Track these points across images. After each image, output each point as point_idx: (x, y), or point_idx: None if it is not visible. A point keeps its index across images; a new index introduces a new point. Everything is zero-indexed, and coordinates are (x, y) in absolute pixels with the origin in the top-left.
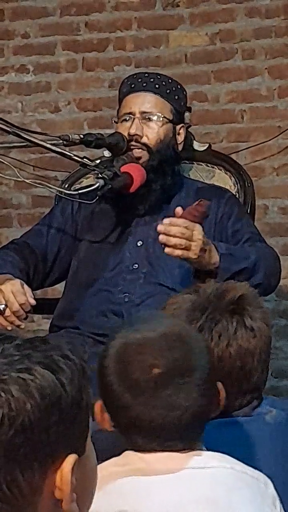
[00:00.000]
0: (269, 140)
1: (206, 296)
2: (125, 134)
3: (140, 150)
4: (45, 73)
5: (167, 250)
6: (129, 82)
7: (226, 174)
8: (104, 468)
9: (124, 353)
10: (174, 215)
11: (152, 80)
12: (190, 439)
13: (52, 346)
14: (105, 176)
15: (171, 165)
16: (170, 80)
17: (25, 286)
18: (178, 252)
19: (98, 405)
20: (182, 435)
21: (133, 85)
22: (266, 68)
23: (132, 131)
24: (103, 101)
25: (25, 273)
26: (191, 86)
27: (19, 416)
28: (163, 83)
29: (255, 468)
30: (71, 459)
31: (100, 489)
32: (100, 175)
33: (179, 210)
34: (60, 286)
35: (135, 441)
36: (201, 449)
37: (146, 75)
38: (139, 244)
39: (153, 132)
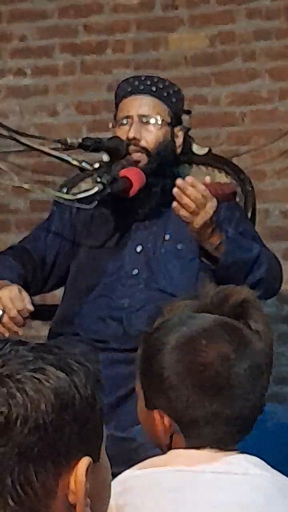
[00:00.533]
0: (270, 143)
1: (208, 300)
2: (124, 137)
3: (139, 153)
4: (43, 76)
5: (174, 204)
6: (125, 86)
7: (227, 177)
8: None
9: (190, 344)
10: (174, 220)
11: (149, 83)
12: (241, 437)
13: (66, 351)
14: (104, 181)
15: (170, 168)
16: (167, 83)
17: (23, 292)
18: (184, 212)
19: (160, 417)
20: (241, 430)
21: (130, 89)
22: (266, 70)
23: (131, 135)
24: (102, 104)
25: (23, 278)
26: (191, 89)
27: (33, 416)
28: (160, 85)
29: None
30: (85, 461)
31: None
32: (98, 180)
33: (207, 178)
34: (59, 292)
35: (194, 436)
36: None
37: (143, 78)
38: (138, 250)
39: (151, 135)
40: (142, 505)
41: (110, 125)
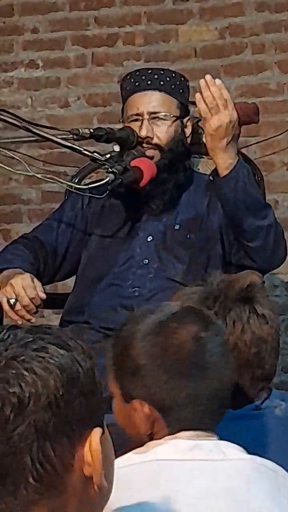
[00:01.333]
0: (279, 134)
1: (215, 285)
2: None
3: (152, 150)
4: (55, 68)
5: (198, 97)
6: (132, 80)
7: None
8: (128, 458)
9: (161, 328)
10: (184, 210)
11: (156, 77)
12: (218, 419)
13: (57, 330)
14: (115, 171)
15: (182, 161)
16: (173, 74)
17: (35, 280)
18: (203, 105)
19: (140, 405)
20: (218, 411)
21: (137, 83)
22: (275, 63)
23: (143, 134)
24: (113, 96)
25: (35, 267)
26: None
27: (45, 392)
28: (167, 78)
29: None
30: (97, 431)
31: (127, 476)
32: (110, 170)
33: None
34: (70, 281)
35: (175, 421)
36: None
37: (149, 71)
38: (149, 239)
39: (163, 132)
40: (129, 497)
41: (121, 121)
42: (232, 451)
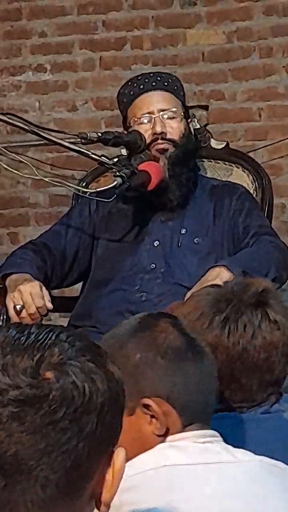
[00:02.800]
0: (287, 138)
1: (229, 288)
2: (147, 134)
3: (166, 144)
4: (63, 72)
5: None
6: (135, 84)
7: (244, 172)
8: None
9: (144, 324)
10: (190, 215)
11: (159, 78)
12: (212, 413)
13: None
14: (123, 174)
15: (193, 159)
16: (173, 77)
17: (44, 289)
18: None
19: (151, 401)
20: (213, 402)
21: (141, 86)
22: (283, 66)
23: (158, 130)
24: None
25: (43, 272)
26: (208, 85)
27: (101, 399)
28: (170, 80)
29: None
30: (122, 451)
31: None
32: (117, 173)
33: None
34: (77, 285)
35: (187, 412)
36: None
37: (151, 74)
38: (156, 244)
39: (175, 128)
40: (144, 503)
41: (129, 124)
42: (241, 453)
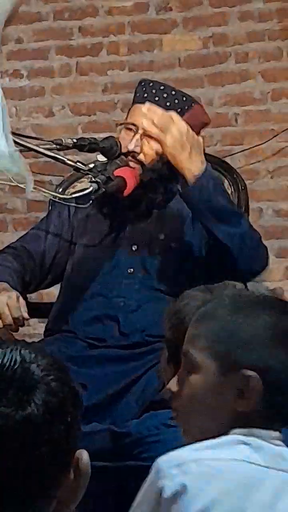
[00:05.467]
0: (263, 143)
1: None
2: (125, 144)
3: (133, 163)
4: (39, 78)
5: (145, 122)
6: (145, 89)
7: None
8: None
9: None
10: (169, 220)
11: (165, 95)
12: None
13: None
14: (99, 180)
15: (163, 183)
16: (173, 92)
17: (21, 299)
18: (155, 129)
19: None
20: None
21: (145, 95)
22: (259, 72)
23: (131, 148)
24: (97, 105)
25: (21, 278)
26: (185, 90)
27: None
28: (164, 95)
29: None
30: (85, 451)
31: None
32: (93, 179)
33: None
34: (56, 290)
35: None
36: None
37: (151, 84)
38: (133, 249)
39: (150, 150)
40: (204, 492)
41: (119, 123)
42: None
